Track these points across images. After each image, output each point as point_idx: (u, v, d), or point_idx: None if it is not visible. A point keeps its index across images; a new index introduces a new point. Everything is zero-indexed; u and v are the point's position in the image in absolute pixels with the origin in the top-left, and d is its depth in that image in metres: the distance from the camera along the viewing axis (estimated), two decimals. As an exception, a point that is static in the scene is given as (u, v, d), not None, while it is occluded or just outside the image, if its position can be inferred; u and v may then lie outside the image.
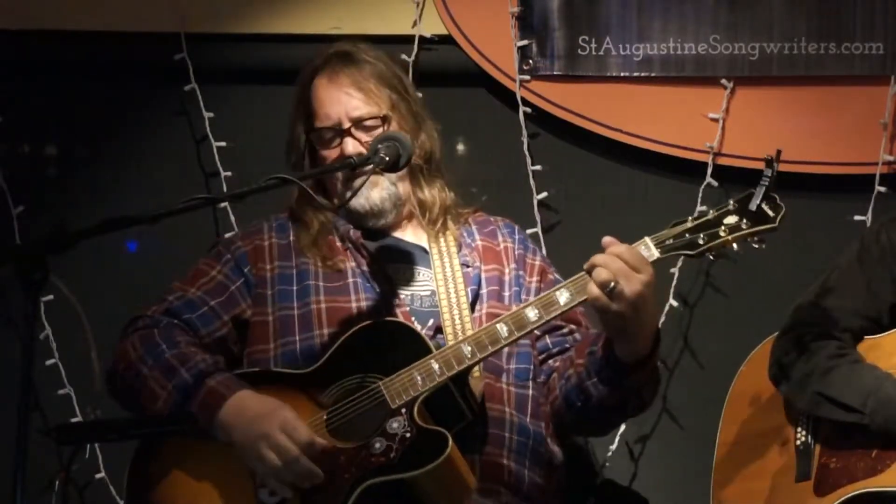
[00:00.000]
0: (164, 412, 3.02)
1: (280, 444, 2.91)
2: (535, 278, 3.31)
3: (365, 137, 3.26)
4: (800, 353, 3.27)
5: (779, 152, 2.97)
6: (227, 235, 3.42)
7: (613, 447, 4.01)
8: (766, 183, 2.96)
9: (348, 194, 3.22)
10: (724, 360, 3.77)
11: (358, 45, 3.37)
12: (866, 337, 3.29)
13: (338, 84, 3.29)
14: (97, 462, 4.06)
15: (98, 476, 4.06)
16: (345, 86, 3.28)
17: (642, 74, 4.03)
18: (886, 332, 3.27)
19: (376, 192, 3.25)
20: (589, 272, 2.93)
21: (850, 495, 3.12)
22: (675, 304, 3.99)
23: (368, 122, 3.27)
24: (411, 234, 3.33)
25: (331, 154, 3.27)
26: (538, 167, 4.07)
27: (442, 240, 3.29)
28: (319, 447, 2.94)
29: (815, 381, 3.22)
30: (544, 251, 3.81)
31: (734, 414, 3.47)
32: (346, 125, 3.26)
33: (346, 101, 3.27)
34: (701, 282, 4.00)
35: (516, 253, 3.33)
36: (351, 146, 3.25)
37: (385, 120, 3.27)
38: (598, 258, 2.92)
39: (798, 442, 3.29)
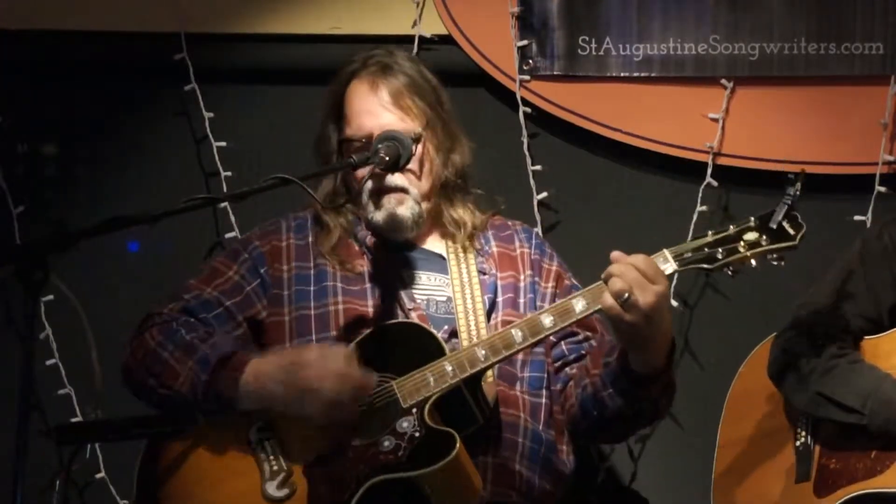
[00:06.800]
0: (186, 388, 3.04)
1: (325, 389, 2.95)
2: (550, 284, 3.31)
3: None
4: (800, 354, 3.27)
5: (803, 172, 2.99)
6: (244, 234, 3.40)
7: (614, 447, 4.00)
8: (789, 201, 2.97)
9: (370, 208, 3.21)
10: (724, 361, 3.77)
11: (397, 55, 3.32)
12: (866, 337, 3.29)
13: (376, 96, 3.25)
14: (97, 462, 4.06)
15: (98, 476, 4.06)
16: (383, 99, 3.25)
17: (642, 74, 4.02)
18: (886, 333, 3.27)
19: (402, 209, 3.22)
20: (605, 281, 2.93)
21: (849, 496, 3.13)
22: (675, 304, 3.99)
23: None
24: (430, 242, 3.32)
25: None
26: (538, 167, 4.06)
27: (459, 247, 3.28)
28: (354, 373, 2.97)
29: (815, 382, 3.22)
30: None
31: (734, 415, 3.47)
32: None
33: (381, 114, 3.24)
34: (701, 282, 3.99)
35: (532, 258, 3.33)
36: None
37: (417, 140, 3.22)
38: (614, 268, 2.92)
39: (798, 443, 3.29)
